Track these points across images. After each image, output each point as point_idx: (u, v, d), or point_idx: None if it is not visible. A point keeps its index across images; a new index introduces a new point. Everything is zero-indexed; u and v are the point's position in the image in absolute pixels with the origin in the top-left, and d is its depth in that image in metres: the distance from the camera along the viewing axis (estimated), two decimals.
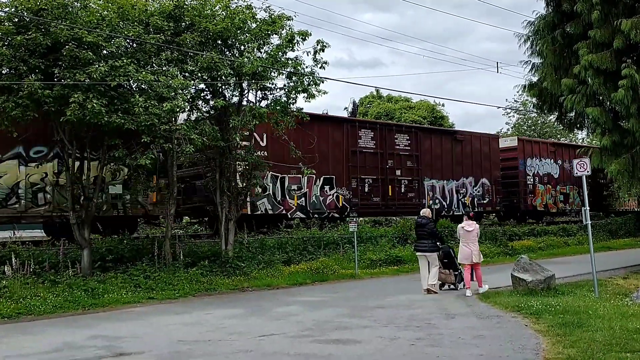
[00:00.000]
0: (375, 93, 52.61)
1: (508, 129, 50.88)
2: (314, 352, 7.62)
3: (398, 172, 22.14)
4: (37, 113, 12.85)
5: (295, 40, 15.69)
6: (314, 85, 16.06)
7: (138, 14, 13.70)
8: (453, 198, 25.58)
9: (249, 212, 18.65)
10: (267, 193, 19.49)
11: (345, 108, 50.66)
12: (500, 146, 28.57)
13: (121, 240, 15.67)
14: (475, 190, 26.56)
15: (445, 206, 25.28)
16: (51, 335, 9.07)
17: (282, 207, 19.94)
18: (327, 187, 21.02)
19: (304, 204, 20.42)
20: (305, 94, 16.03)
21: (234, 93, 16.31)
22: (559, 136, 47.78)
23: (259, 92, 16.44)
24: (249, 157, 16.16)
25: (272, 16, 15.64)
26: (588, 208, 12.35)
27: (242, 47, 15.69)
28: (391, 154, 23.02)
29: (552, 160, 30.76)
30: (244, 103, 16.37)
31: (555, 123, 35.95)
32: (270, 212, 19.64)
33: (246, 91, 16.35)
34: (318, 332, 8.99)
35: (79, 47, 12.32)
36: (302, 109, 17.13)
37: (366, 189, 22.12)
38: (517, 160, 28.82)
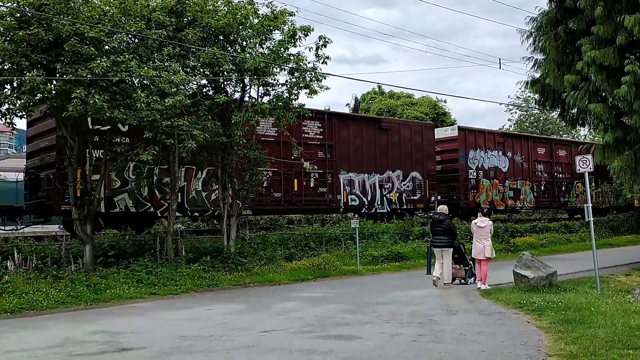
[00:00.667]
0: (377, 89, 52.57)
1: (510, 126, 50.81)
2: (315, 348, 7.62)
3: (306, 164, 18.74)
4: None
5: (297, 36, 15.69)
6: (316, 81, 16.05)
7: (140, 9, 13.68)
8: (376, 194, 22.73)
9: (103, 210, 15.65)
10: (127, 187, 16.42)
11: (347, 104, 50.71)
12: (437, 136, 25.91)
13: (123, 236, 15.69)
14: (404, 185, 23.72)
15: (366, 203, 22.40)
16: (53, 330, 9.09)
17: (150, 204, 16.83)
18: (213, 181, 17.39)
19: (180, 201, 17.08)
20: (307, 90, 16.05)
21: (236, 89, 16.34)
22: (561, 132, 47.68)
23: (260, 88, 16.46)
24: (250, 152, 16.15)
25: (274, 12, 15.63)
26: (590, 205, 12.32)
27: (244, 43, 15.66)
28: (298, 143, 18.86)
29: (500, 152, 27.81)
30: (246, 99, 16.37)
31: (558, 120, 35.70)
32: (132, 209, 16.56)
33: (248, 87, 16.37)
34: (319, 328, 8.99)
35: (81, 43, 12.30)
36: (304, 105, 17.12)
37: (264, 183, 18.63)
38: (457, 152, 26.00)
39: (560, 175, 31.14)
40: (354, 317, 9.90)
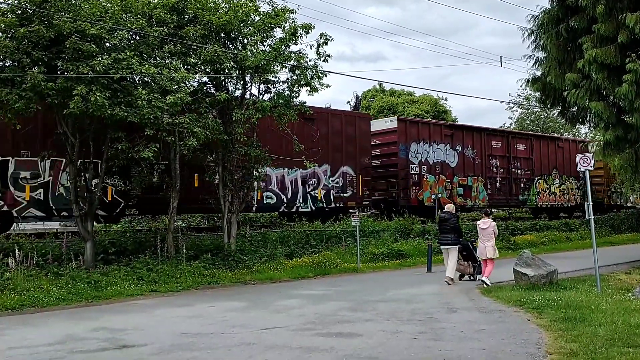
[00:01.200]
0: (378, 87, 52.57)
1: (511, 124, 50.82)
2: (316, 345, 7.63)
3: (211, 158, 16.54)
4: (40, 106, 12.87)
5: (298, 34, 15.69)
6: (317, 79, 16.06)
7: (141, 6, 13.67)
8: (298, 190, 20.39)
9: None
10: None
11: (348, 102, 50.68)
12: (376, 128, 23.90)
13: (124, 233, 15.70)
14: (333, 181, 21.30)
15: (285, 201, 20.01)
16: (54, 327, 9.11)
17: (3, 202, 14.85)
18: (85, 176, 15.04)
19: (43, 198, 15.20)
20: (309, 88, 16.05)
21: (237, 86, 16.34)
22: (562, 130, 47.65)
23: (262, 86, 16.46)
24: (251, 150, 16.15)
25: (276, 9, 15.63)
26: (591, 203, 12.32)
27: (245, 40, 15.67)
28: None
29: (448, 145, 25.47)
30: (247, 96, 16.38)
31: (558, 117, 35.53)
32: None
33: (249, 84, 16.38)
34: (320, 325, 9.01)
35: (82, 40, 12.30)
36: (305, 102, 17.13)
37: (155, 179, 16.64)
38: (396, 145, 23.71)
39: (519, 171, 28.97)
40: (355, 314, 9.91)
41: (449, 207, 14.30)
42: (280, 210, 20.45)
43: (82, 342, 7.96)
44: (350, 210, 21.67)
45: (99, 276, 12.91)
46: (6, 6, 12.61)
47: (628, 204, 34.80)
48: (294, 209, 20.50)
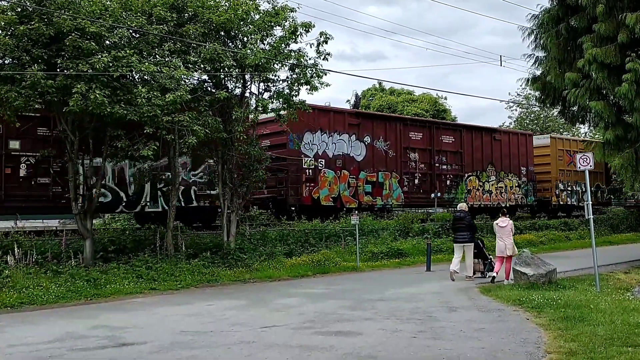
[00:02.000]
0: (377, 86, 52.58)
1: (511, 123, 50.80)
2: (316, 344, 7.63)
3: (15, 145, 14.30)
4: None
5: (298, 32, 15.69)
6: (316, 78, 16.07)
7: (141, 4, 13.66)
8: (145, 188, 16.78)
9: None
10: None
11: (348, 100, 50.69)
12: (262, 116, 18.25)
13: (123, 231, 15.70)
14: (195, 176, 17.88)
15: (125, 199, 16.43)
16: (54, 325, 9.10)
17: None
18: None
19: None
20: (308, 86, 16.06)
21: (237, 85, 16.34)
22: (561, 130, 47.67)
23: (261, 84, 16.45)
24: (251, 149, 16.15)
25: (276, 8, 15.63)
26: (590, 202, 12.33)
27: (245, 39, 15.67)
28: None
29: (353, 136, 22.00)
30: (247, 95, 16.38)
31: (558, 117, 35.36)
32: None
33: (249, 83, 16.38)
34: (320, 324, 9.00)
35: (82, 38, 12.29)
36: (304, 101, 17.12)
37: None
38: (285, 134, 20.18)
39: (445, 167, 25.39)
40: (354, 313, 9.91)
41: (462, 207, 14.74)
42: (118, 210, 16.80)
43: (81, 340, 7.95)
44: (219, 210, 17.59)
45: (99, 274, 12.90)
46: (6, 4, 12.61)
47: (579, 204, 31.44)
48: (138, 209, 16.91)
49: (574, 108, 17.46)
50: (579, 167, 12.74)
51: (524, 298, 10.69)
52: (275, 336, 8.15)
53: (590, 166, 12.55)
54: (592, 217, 12.36)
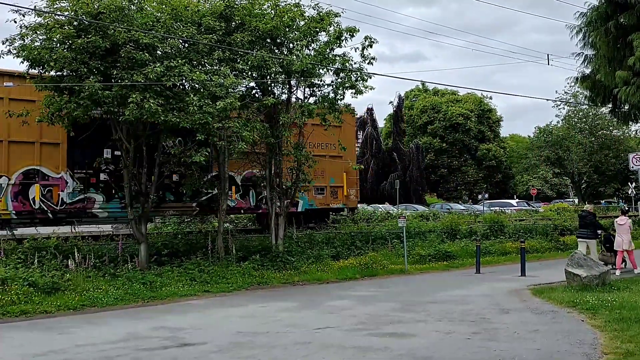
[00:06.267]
0: (420, 86, 52.31)
1: (558, 122, 49.85)
2: (371, 345, 7.75)
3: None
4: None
5: (343, 37, 15.85)
6: (361, 81, 16.17)
7: (191, 14, 14.04)
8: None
9: None
10: None
11: (391, 102, 50.67)
12: None
13: (175, 235, 16.13)
14: None
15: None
16: (116, 325, 9.46)
17: None
18: None
19: None
20: (353, 90, 16.16)
21: (283, 90, 16.57)
22: (611, 128, 46.57)
23: (307, 89, 16.66)
24: (297, 153, 16.37)
25: (320, 13, 15.80)
26: None
27: (291, 45, 15.91)
28: None
29: None
30: (293, 100, 16.61)
31: (609, 115, 34.56)
32: None
33: (295, 88, 16.59)
34: (372, 325, 9.12)
35: (136, 49, 12.71)
36: (349, 104, 17.27)
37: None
38: None
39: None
40: (406, 315, 9.99)
41: (588, 207, 16.55)
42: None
43: (144, 341, 8.27)
44: None
45: (154, 277, 13.31)
46: (64, 18, 13.13)
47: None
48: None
49: (626, 107, 17.11)
50: (632, 167, 12.51)
51: (577, 300, 10.57)
52: (330, 337, 8.31)
53: None
54: None
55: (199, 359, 7.22)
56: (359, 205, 23.53)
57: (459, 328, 8.75)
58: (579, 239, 15.50)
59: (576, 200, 51.29)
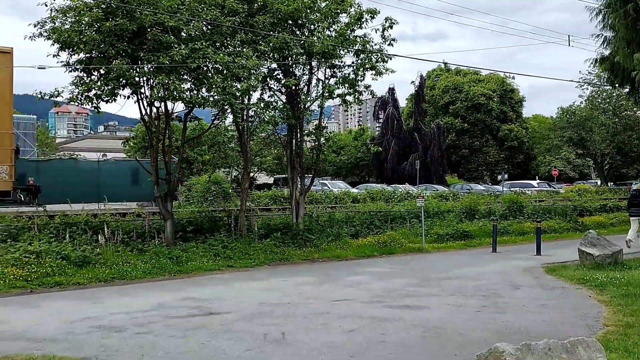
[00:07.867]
0: (442, 66, 52.02)
1: (581, 102, 49.36)
2: (386, 316, 8.19)
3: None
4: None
5: (363, 19, 16.06)
6: (382, 63, 16.41)
7: None
8: None
9: None
10: None
11: (413, 82, 50.58)
12: None
13: (200, 212, 16.67)
14: None
15: None
16: (146, 296, 10.02)
17: None
18: None
19: None
20: (374, 71, 16.41)
21: (304, 72, 16.89)
22: (635, 109, 45.99)
23: (327, 70, 16.95)
24: (318, 133, 16.73)
25: None
26: None
27: (312, 27, 16.17)
28: None
29: None
30: (314, 81, 16.94)
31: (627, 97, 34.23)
32: None
33: (316, 69, 16.89)
34: (388, 298, 9.55)
35: (162, 32, 13.12)
36: (369, 85, 17.54)
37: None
38: None
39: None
40: (421, 290, 10.41)
41: (638, 186, 17.15)
42: None
43: (173, 310, 8.80)
44: None
45: (180, 252, 13.88)
46: (92, 1, 13.56)
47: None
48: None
49: None
50: None
51: (587, 277, 10.89)
52: (347, 308, 8.76)
53: None
54: None
55: (224, 326, 7.71)
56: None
57: (470, 302, 9.15)
58: (631, 217, 16.41)
59: (599, 182, 50.95)
